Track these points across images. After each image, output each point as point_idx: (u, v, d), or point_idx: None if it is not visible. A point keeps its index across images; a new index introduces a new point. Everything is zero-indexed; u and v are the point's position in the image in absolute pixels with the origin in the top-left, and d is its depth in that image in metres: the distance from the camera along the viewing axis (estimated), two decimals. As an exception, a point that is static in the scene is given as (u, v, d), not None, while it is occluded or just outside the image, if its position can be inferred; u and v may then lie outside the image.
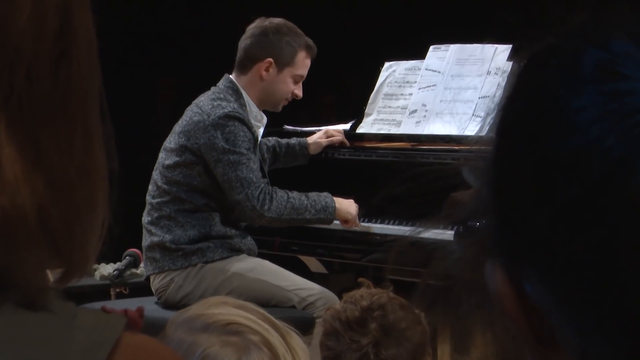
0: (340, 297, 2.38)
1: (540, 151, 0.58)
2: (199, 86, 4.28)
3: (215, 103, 4.04)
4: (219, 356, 1.46)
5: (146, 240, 4.10)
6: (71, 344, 0.71)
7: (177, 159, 4.02)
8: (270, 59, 4.15)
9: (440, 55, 4.46)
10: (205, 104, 4.05)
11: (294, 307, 3.97)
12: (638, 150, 0.55)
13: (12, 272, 0.72)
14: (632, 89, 0.56)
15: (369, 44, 4.89)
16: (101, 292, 4.46)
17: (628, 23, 0.60)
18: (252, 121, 4.07)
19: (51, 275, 0.76)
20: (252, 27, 4.23)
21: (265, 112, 4.22)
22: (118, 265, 4.45)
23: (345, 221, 4.13)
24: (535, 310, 0.60)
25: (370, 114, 4.61)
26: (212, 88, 4.16)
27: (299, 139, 4.51)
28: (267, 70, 4.15)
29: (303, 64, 4.23)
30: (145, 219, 4.11)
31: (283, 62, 4.17)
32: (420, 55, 4.53)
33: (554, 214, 0.57)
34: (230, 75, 4.18)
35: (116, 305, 4.13)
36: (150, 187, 4.14)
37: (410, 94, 4.48)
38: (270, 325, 1.52)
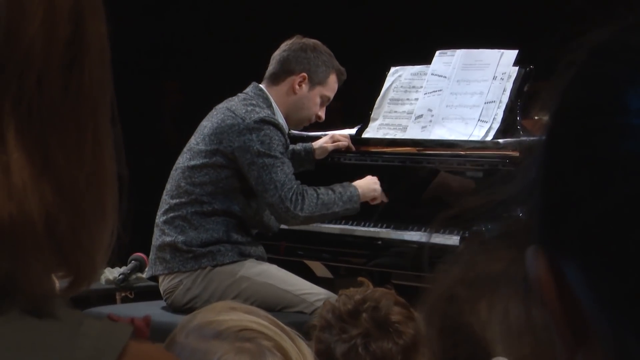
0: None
1: (597, 147, 0.57)
2: (204, 90, 4.29)
3: (249, 108, 4.07)
4: None
5: (157, 239, 4.11)
6: (77, 352, 0.71)
7: (205, 160, 4.04)
8: (305, 74, 4.21)
9: (446, 60, 4.46)
10: (238, 108, 4.07)
11: (300, 311, 3.98)
12: None
13: (19, 278, 0.72)
14: None
15: (375, 49, 4.89)
16: (106, 296, 4.47)
17: None
18: None
19: (57, 283, 0.76)
20: (290, 43, 4.28)
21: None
22: (123, 269, 4.45)
23: (373, 199, 4.17)
24: (574, 301, 0.59)
25: (376, 119, 4.60)
26: (240, 94, 4.19)
27: (304, 144, 4.52)
28: (300, 84, 4.20)
29: (333, 86, 4.30)
30: (160, 218, 4.12)
31: (316, 80, 4.23)
32: (426, 60, 4.53)
33: (606, 209, 0.56)
34: (260, 85, 4.20)
35: (122, 309, 4.14)
36: (168, 187, 4.15)
37: (416, 99, 4.47)
38: (280, 329, 1.52)
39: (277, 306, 3.95)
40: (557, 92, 0.61)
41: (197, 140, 4.11)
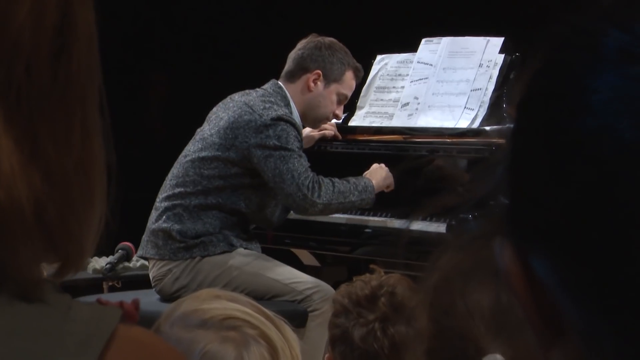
0: (335, 290, 2.37)
1: (556, 130, 0.58)
2: (192, 82, 4.28)
3: (267, 105, 4.07)
4: (219, 352, 1.46)
5: (153, 222, 4.10)
6: (66, 336, 0.71)
7: (218, 153, 4.04)
8: (319, 71, 4.21)
9: (432, 48, 4.46)
10: (256, 104, 4.07)
11: (290, 300, 3.98)
12: None
13: (7, 264, 0.72)
14: None
15: (361, 37, 4.90)
16: (94, 285, 4.46)
17: None
18: None
19: (46, 269, 0.76)
20: (305, 41, 4.29)
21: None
22: (111, 258, 4.45)
23: (388, 187, 4.17)
24: (543, 290, 0.59)
25: (362, 107, 4.61)
26: (259, 90, 4.19)
27: (291, 133, 4.51)
28: (314, 82, 4.21)
29: (349, 84, 4.30)
30: (161, 202, 4.11)
31: (331, 78, 4.23)
32: (412, 48, 4.53)
33: (565, 194, 0.56)
34: (279, 82, 4.21)
35: (110, 298, 4.14)
36: (175, 171, 4.14)
37: (402, 87, 4.48)
38: (264, 317, 1.52)
39: (267, 295, 3.96)
40: (523, 82, 0.62)
41: (211, 132, 4.10)
